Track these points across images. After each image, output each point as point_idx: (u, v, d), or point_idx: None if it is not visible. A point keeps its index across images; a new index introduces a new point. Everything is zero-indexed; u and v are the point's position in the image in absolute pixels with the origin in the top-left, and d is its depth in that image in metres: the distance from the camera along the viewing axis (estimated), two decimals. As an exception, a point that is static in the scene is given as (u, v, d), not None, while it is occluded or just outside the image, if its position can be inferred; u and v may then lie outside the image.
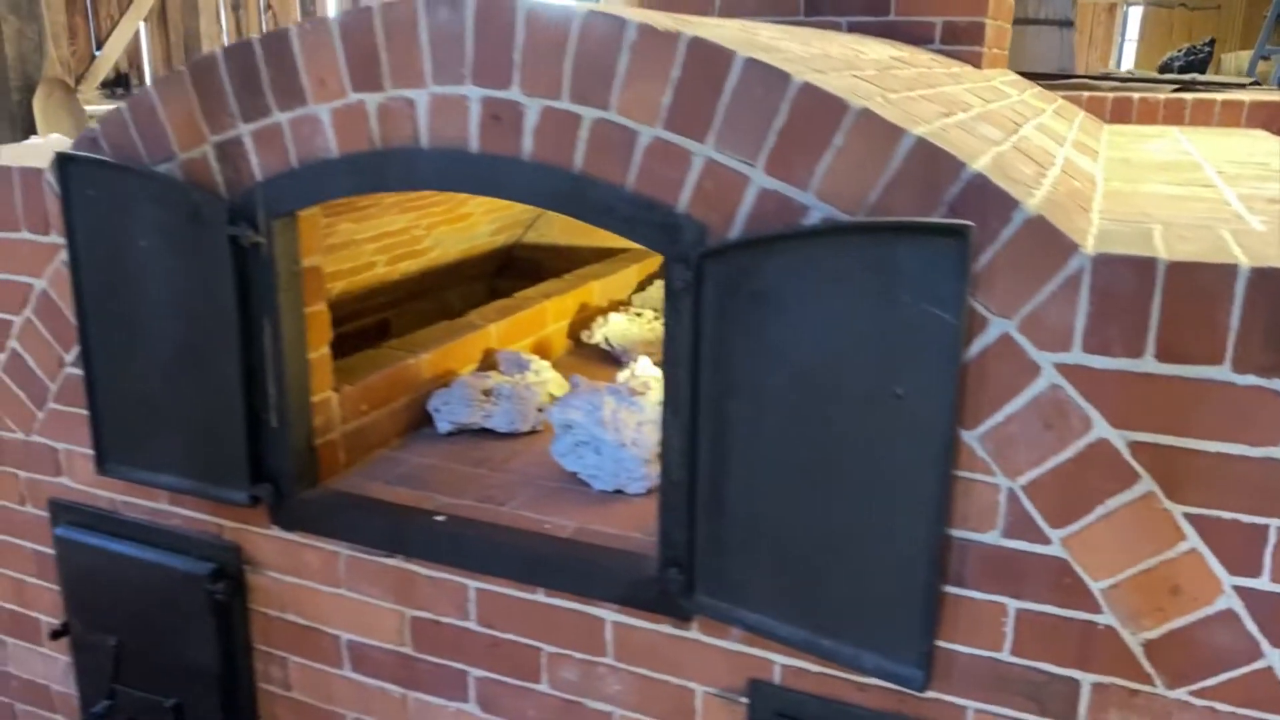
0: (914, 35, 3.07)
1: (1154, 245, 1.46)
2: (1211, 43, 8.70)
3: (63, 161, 2.15)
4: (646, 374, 2.49)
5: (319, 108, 1.94)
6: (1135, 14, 13.57)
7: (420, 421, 2.67)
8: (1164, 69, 8.25)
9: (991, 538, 1.58)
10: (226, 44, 2.06)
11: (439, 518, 2.12)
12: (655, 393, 2.30)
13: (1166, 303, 1.41)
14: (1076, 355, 1.46)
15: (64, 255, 2.32)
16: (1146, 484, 1.47)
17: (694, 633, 1.90)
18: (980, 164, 1.51)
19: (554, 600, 2.02)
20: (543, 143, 1.77)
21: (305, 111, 1.95)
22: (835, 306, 1.56)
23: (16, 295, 2.43)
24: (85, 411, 2.41)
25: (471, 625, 2.11)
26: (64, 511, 2.54)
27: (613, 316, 3.23)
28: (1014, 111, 2.45)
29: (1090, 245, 1.45)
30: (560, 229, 4.29)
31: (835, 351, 1.58)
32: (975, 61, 3.04)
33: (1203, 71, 7.95)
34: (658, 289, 3.76)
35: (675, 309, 1.72)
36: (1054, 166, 1.90)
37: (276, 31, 1.95)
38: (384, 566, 2.17)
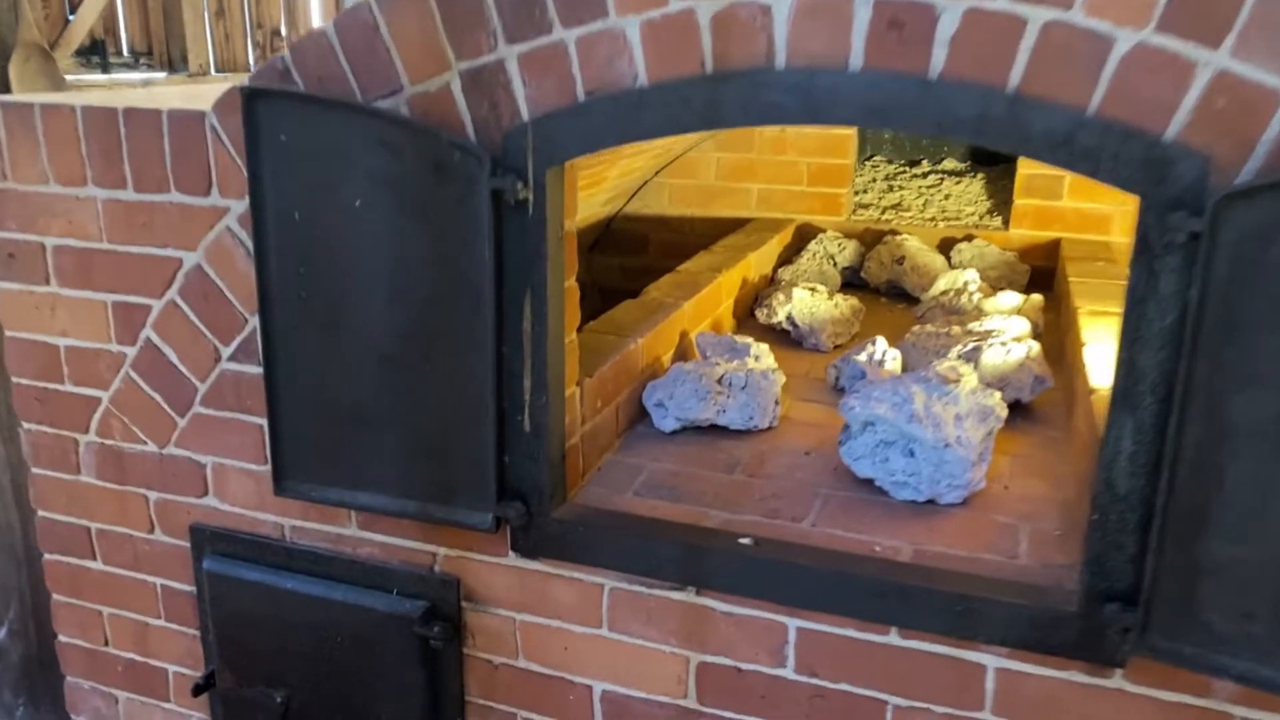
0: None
1: None
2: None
3: (251, 98, 1.66)
4: (951, 360, 2.08)
5: (624, 20, 1.49)
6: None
7: (636, 418, 2.24)
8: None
9: None
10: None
11: (745, 540, 1.70)
12: (969, 380, 1.90)
13: None
14: None
15: (228, 222, 1.84)
16: None
17: (1118, 681, 1.51)
18: None
19: (910, 643, 1.61)
20: (962, 56, 1.35)
21: (603, 26, 1.50)
22: None
23: (157, 274, 1.94)
24: (250, 417, 1.94)
25: (787, 673, 1.70)
26: (213, 540, 2.06)
27: (796, 292, 2.81)
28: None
29: None
30: (671, 198, 3.86)
31: None
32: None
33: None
34: (810, 260, 3.35)
35: (1151, 271, 1.33)
36: None
37: (568, -81, 1.50)
38: (668, 602, 1.74)
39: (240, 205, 1.82)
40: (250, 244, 1.79)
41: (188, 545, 2.09)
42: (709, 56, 1.47)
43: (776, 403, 2.22)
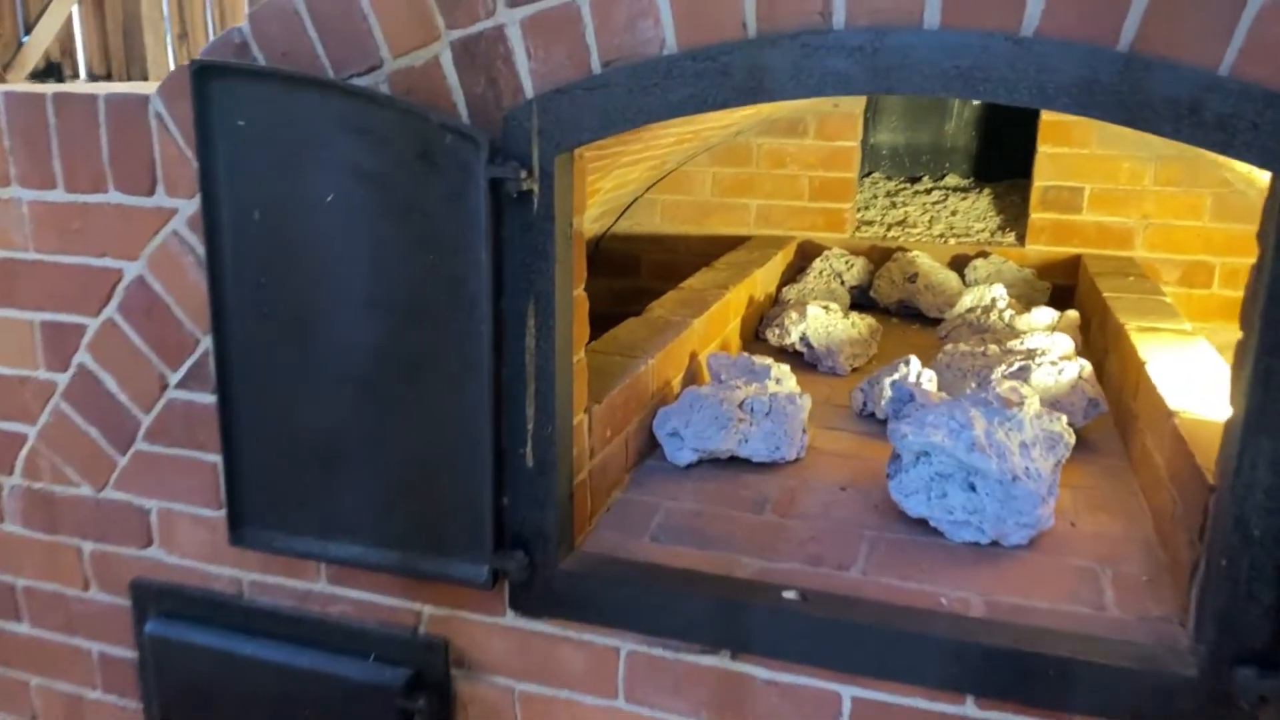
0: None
1: None
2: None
3: (202, 75, 1.40)
4: (1013, 380, 1.85)
5: (649, -25, 1.25)
6: None
7: (646, 450, 1.98)
8: None
9: None
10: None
11: (789, 594, 1.44)
12: (1033, 403, 1.66)
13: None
14: None
15: (176, 226, 1.57)
16: None
17: (1246, 757, 1.26)
18: None
19: (989, 714, 1.36)
20: (1062, 6, 1.13)
21: (624, -18, 1.27)
22: None
23: (92, 287, 1.66)
24: (202, 454, 1.66)
25: (842, 750, 1.44)
26: (158, 598, 1.77)
27: (810, 310, 2.57)
28: None
29: None
30: (663, 215, 3.62)
31: None
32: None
33: None
34: (817, 279, 3.12)
35: (1300, 265, 1.09)
36: None
37: None
38: (698, 668, 1.47)
39: (190, 206, 1.55)
40: (202, 251, 1.53)
41: (128, 604, 1.80)
42: (751, 16, 1.23)
43: (804, 431, 1.97)
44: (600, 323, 2.28)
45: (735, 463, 1.95)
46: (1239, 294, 3.17)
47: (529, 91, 1.34)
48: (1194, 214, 3.03)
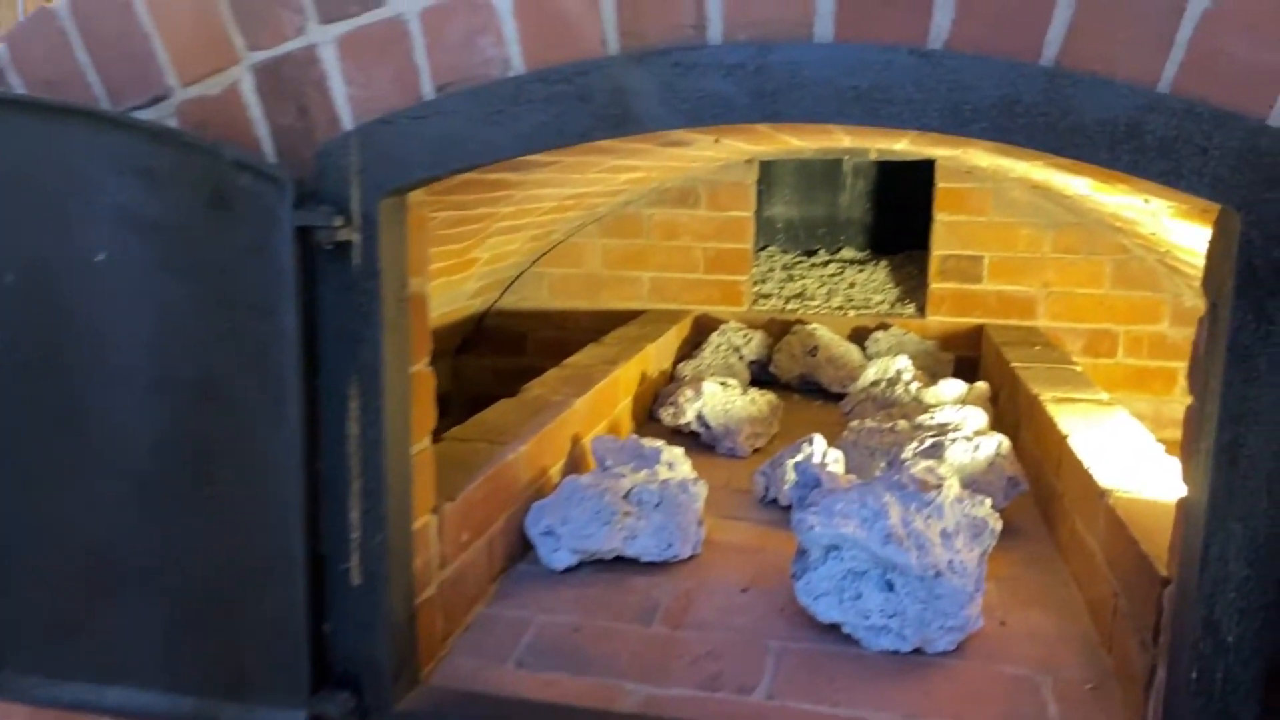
0: None
1: None
2: None
3: (-64, 104, 1.13)
4: (928, 460, 1.64)
5: (489, -18, 1.04)
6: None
7: (518, 552, 1.70)
8: None
9: None
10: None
11: (680, 730, 1.18)
12: (952, 486, 1.46)
13: None
14: None
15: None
16: None
17: None
18: None
19: None
20: (974, 15, 0.95)
21: (458, -9, 1.05)
22: None
23: None
24: (-50, 578, 1.32)
25: None
26: (-105, 763, 1.40)
27: (706, 387, 2.36)
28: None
29: None
30: (551, 289, 3.40)
31: None
32: None
33: None
34: (714, 354, 2.93)
35: (1263, 313, 0.92)
36: None
37: None
38: (571, 828, 1.19)
39: (-66, 269, 1.25)
40: (-55, 323, 1.22)
41: None
42: (613, 30, 1.02)
43: (700, 523, 1.73)
44: (483, 407, 2.03)
45: (621, 563, 1.69)
46: (1144, 363, 3.12)
47: (347, 122, 1.10)
48: (1094, 282, 2.96)
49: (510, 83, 1.05)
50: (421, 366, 1.25)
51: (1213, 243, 1.01)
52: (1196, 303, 2.83)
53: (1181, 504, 1.07)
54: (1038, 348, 2.68)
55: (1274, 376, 0.92)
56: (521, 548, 1.71)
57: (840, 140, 2.17)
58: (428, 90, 1.08)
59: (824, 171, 3.93)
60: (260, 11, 1.10)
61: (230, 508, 1.16)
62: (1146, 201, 1.55)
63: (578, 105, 1.03)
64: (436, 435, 1.63)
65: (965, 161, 2.51)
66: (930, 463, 1.50)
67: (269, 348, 1.11)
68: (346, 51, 1.09)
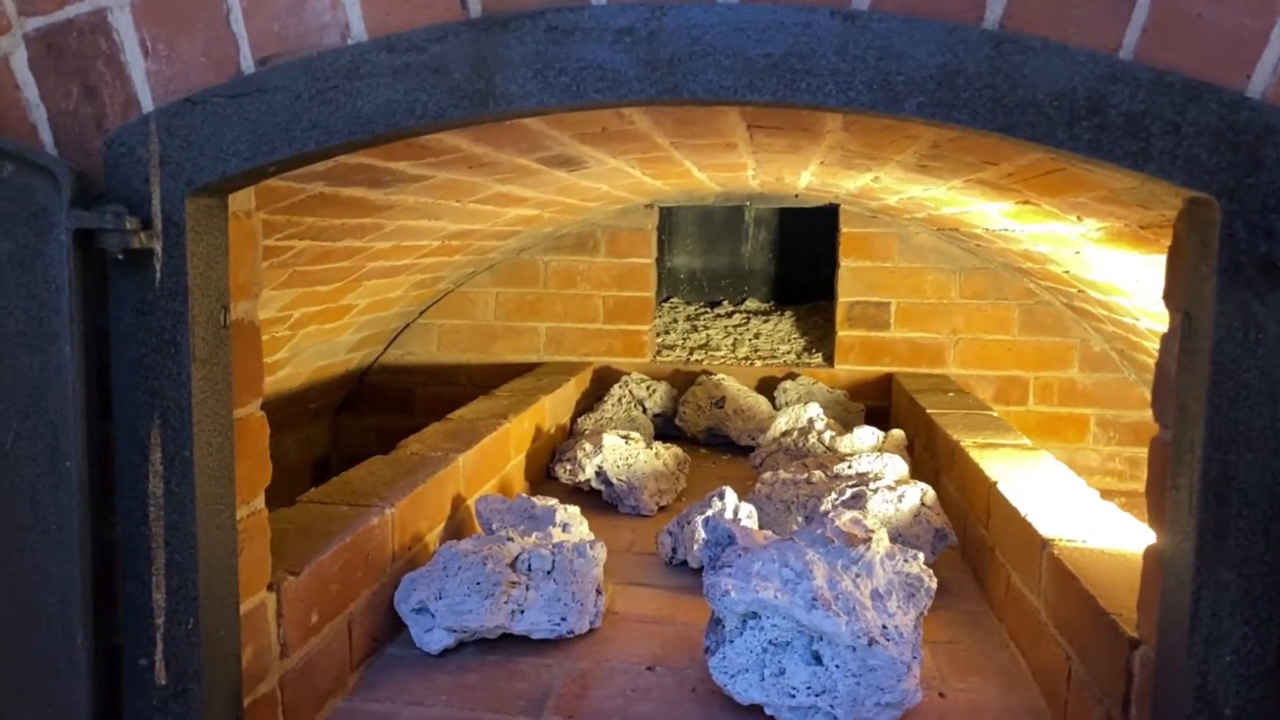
0: None
1: None
2: None
3: None
4: (851, 511, 1.46)
5: (323, -68, 0.85)
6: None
7: (388, 633, 1.46)
8: None
9: None
10: None
11: None
12: (881, 540, 1.28)
13: None
14: None
15: None
16: None
17: None
18: None
19: None
20: (907, -23, 0.80)
21: (285, -58, 0.86)
22: None
23: None
24: None
25: None
26: None
27: (607, 440, 2.16)
28: None
29: None
30: (441, 342, 3.17)
31: None
32: None
33: None
34: (616, 406, 2.73)
35: (1247, 315, 0.77)
36: None
37: None
38: None
39: None
40: None
41: None
42: (475, -10, 0.84)
43: (599, 591, 1.52)
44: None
45: (508, 642, 1.46)
46: (1054, 409, 3.04)
47: (146, 104, 0.89)
48: (1003, 328, 2.88)
49: (348, 52, 0.85)
50: (251, 410, 1.03)
51: (1178, 243, 0.88)
52: (1104, 347, 2.78)
53: (1152, 554, 0.92)
54: (951, 394, 2.57)
55: (1266, 393, 0.78)
56: (391, 628, 1.46)
57: (745, 167, 2.03)
58: (247, 64, 0.87)
59: (726, 220, 3.83)
60: (38, -31, 0.89)
61: (-10, 593, 0.90)
62: (1079, 220, 1.44)
63: (431, 79, 0.84)
64: (288, 498, 1.40)
65: (877, 197, 2.40)
66: (854, 513, 1.33)
67: (41, 385, 0.87)
68: (146, 17, 0.88)
